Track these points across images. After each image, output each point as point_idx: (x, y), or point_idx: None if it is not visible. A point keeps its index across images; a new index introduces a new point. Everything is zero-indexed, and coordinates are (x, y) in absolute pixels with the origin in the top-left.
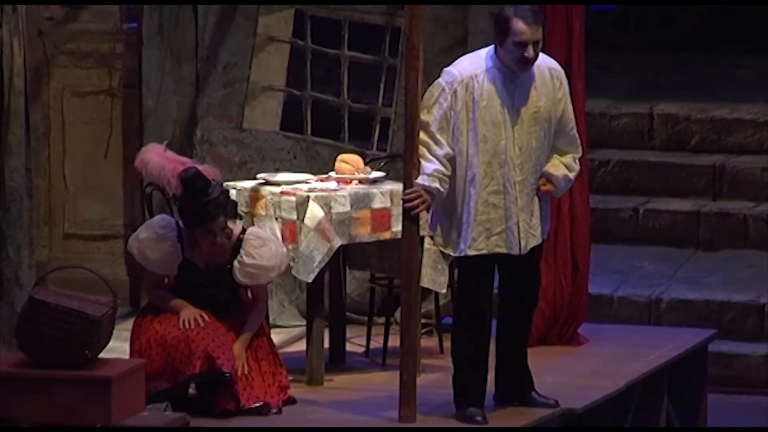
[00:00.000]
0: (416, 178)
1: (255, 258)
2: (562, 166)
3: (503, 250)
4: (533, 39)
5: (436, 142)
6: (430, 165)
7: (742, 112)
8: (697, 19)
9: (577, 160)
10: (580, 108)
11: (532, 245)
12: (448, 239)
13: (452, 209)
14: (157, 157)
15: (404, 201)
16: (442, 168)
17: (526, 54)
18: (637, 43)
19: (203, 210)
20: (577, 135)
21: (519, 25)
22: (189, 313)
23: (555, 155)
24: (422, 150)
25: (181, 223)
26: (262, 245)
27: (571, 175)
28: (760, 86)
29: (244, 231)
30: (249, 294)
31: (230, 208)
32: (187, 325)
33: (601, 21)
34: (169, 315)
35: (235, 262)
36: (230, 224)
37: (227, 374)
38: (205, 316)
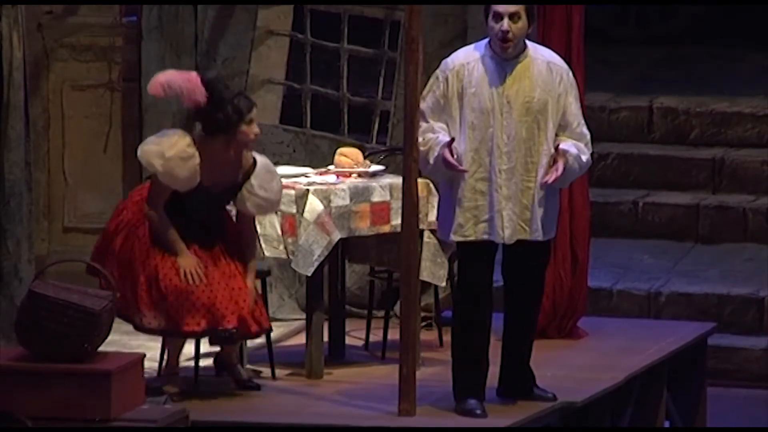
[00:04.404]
0: (417, 174)
1: (267, 191)
2: (570, 142)
3: (488, 238)
4: (508, 11)
5: (431, 128)
6: (435, 135)
7: (742, 106)
8: (697, 13)
9: (588, 151)
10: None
11: (520, 237)
12: (443, 225)
13: (447, 195)
14: (175, 74)
15: (446, 163)
16: (440, 133)
17: (502, 27)
18: (637, 36)
19: (239, 103)
20: (586, 132)
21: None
22: (188, 263)
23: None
24: (421, 138)
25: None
26: (272, 179)
27: (583, 158)
28: (760, 80)
29: (254, 161)
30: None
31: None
32: (190, 280)
33: (601, 15)
34: (168, 256)
35: (245, 192)
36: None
37: (232, 331)
38: (202, 267)
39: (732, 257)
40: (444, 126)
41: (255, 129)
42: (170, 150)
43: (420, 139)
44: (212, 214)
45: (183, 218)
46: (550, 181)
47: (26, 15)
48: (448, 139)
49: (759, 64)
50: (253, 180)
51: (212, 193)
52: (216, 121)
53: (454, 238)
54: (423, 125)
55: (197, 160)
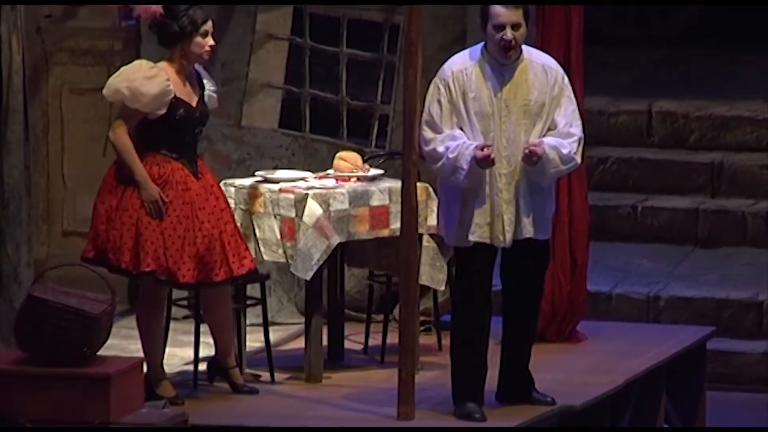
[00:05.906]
0: (417, 178)
1: (214, 82)
2: (549, 137)
3: (490, 241)
4: (510, 21)
5: (450, 136)
6: (459, 141)
7: (741, 110)
8: (696, 15)
9: (571, 146)
10: (579, 105)
11: (516, 237)
12: (451, 229)
13: (457, 197)
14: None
15: (481, 159)
16: (463, 138)
17: (504, 37)
18: (636, 38)
19: (193, 14)
20: (574, 132)
21: (496, 8)
22: (150, 195)
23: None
24: (442, 147)
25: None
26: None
27: (564, 150)
28: (759, 83)
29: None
30: None
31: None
32: (155, 216)
33: (600, 16)
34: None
35: (210, 93)
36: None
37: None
38: (164, 198)
39: (731, 261)
40: (460, 131)
41: (209, 41)
42: (134, 74)
43: (441, 149)
44: (199, 135)
45: (178, 144)
46: (529, 149)
47: (25, 18)
48: (473, 143)
49: (758, 67)
50: (207, 81)
51: (195, 110)
52: (171, 31)
53: (472, 238)
54: (437, 137)
55: (164, 76)
